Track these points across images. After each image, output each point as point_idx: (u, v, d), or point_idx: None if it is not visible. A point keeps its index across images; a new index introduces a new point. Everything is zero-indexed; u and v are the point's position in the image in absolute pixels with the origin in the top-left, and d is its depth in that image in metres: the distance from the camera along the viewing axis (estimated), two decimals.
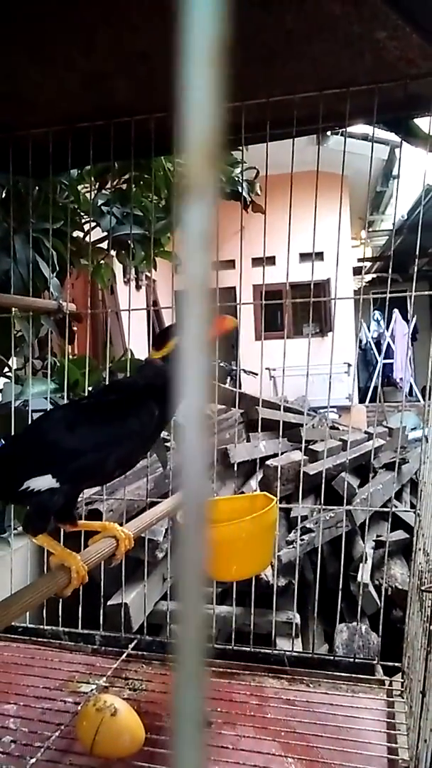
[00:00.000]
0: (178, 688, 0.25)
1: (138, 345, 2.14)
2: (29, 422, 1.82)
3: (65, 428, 1.09)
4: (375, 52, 1.37)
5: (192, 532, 0.26)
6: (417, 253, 1.62)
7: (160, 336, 1.21)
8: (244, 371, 7.69)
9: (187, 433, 0.25)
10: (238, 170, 2.53)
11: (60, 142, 1.65)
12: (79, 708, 1.29)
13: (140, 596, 2.03)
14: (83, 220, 2.49)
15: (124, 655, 1.63)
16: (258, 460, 3.46)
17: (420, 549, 1.28)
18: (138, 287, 6.53)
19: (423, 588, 1.16)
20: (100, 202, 2.45)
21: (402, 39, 1.32)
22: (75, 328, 2.37)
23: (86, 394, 1.94)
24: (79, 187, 2.41)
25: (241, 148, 2.06)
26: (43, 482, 1.04)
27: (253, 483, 3.12)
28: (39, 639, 1.75)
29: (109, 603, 2.18)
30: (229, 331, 1.21)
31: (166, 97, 1.62)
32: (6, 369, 2.17)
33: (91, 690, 1.45)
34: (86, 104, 1.61)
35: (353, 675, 1.52)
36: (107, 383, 1.87)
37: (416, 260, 1.63)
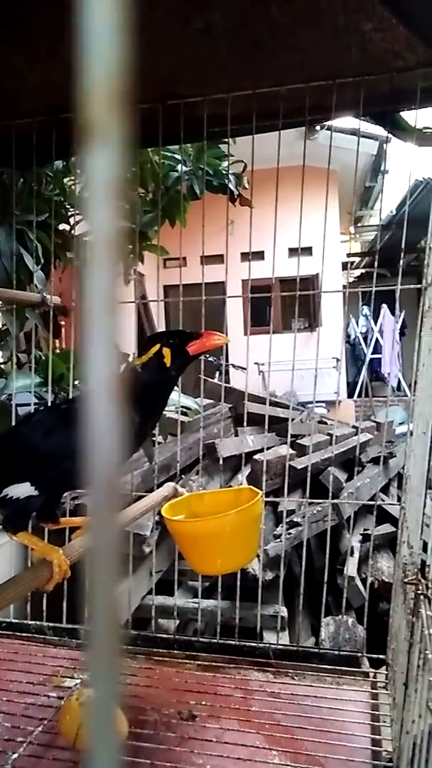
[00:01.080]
0: (91, 675, 0.24)
1: (126, 339, 2.13)
2: (12, 416, 1.81)
3: (43, 436, 1.06)
4: (361, 44, 1.37)
5: (101, 512, 0.24)
6: (403, 248, 1.63)
7: (144, 343, 1.20)
8: (233, 366, 7.68)
9: (94, 402, 0.24)
10: (225, 163, 2.52)
11: (44, 133, 1.63)
12: (63, 702, 1.28)
13: (126, 591, 2.03)
14: (69, 213, 2.47)
15: None
16: (245, 455, 3.46)
17: (404, 542, 1.29)
18: (126, 282, 6.51)
19: (406, 580, 1.16)
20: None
21: (388, 31, 1.32)
22: (62, 323, 2.35)
23: (71, 389, 1.93)
24: (65, 180, 2.39)
25: (227, 140, 2.06)
26: (22, 490, 1.03)
27: (241, 477, 3.11)
28: (23, 634, 1.74)
29: None
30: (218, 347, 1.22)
31: (152, 88, 1.61)
32: None
33: (75, 684, 1.44)
34: (71, 95, 1.59)
35: (338, 667, 1.53)
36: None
37: (402, 255, 1.63)
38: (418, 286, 1.59)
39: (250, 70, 1.46)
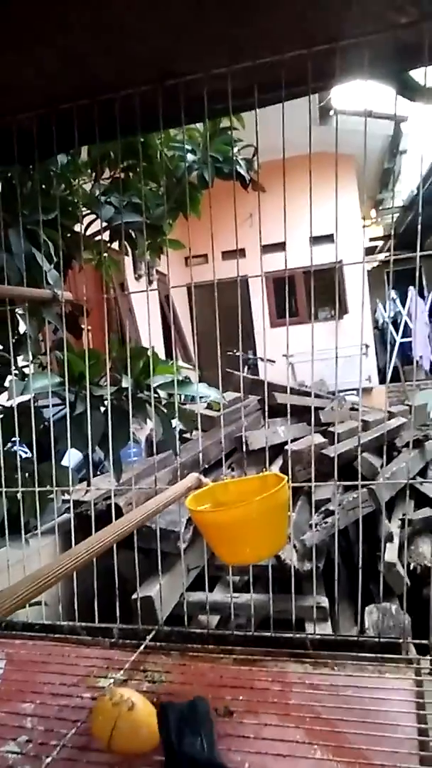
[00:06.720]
0: None
1: (153, 336, 2.09)
2: (33, 419, 1.79)
3: None
4: (361, 1, 1.30)
5: None
6: (419, 229, 1.56)
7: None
8: (261, 359, 7.60)
9: None
10: (234, 149, 2.46)
11: (43, 126, 1.61)
12: (95, 703, 1.25)
13: (164, 588, 1.99)
14: (81, 212, 2.45)
15: (142, 647, 1.58)
16: (277, 446, 3.40)
17: None
18: (150, 282, 6.51)
19: None
20: (97, 192, 2.40)
21: None
22: (83, 326, 2.33)
23: (88, 388, 1.89)
24: (72, 178, 2.36)
25: (233, 125, 2.00)
26: None
27: (274, 468, 3.06)
28: (56, 635, 1.71)
29: (133, 597, 2.15)
30: None
31: (149, 71, 1.57)
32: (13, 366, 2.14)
33: (109, 684, 1.41)
34: (68, 84, 1.56)
35: (379, 655, 1.46)
36: None
37: (418, 234, 1.56)
38: None
39: (248, 40, 1.40)
